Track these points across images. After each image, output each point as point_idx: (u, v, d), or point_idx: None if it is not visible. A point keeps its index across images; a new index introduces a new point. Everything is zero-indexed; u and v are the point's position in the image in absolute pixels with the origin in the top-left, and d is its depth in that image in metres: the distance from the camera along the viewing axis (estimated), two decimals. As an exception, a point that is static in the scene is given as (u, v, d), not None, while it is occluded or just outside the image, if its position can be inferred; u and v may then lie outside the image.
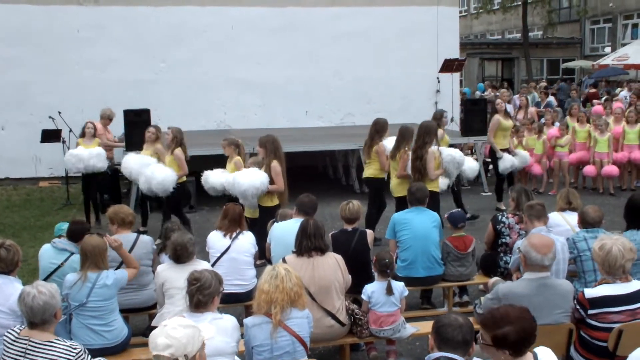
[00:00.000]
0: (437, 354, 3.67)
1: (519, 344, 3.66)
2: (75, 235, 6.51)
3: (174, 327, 3.48)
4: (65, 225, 6.92)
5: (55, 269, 6.31)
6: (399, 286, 6.16)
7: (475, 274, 7.59)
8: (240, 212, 7.24)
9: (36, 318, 4.34)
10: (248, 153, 12.97)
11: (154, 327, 3.71)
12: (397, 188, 9.74)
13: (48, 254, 6.47)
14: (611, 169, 13.88)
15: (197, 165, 14.71)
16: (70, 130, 13.28)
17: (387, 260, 6.15)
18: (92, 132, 11.83)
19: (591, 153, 14.09)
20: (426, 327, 5.88)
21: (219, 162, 14.74)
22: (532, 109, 17.00)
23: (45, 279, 6.18)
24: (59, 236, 6.70)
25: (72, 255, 6.23)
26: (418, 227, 7.34)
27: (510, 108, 18.44)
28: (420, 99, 18.75)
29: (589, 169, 14.09)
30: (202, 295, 4.70)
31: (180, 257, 5.92)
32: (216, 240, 7.06)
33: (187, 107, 17.25)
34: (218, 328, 4.66)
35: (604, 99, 20.40)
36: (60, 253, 6.43)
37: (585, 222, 6.58)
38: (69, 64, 16.59)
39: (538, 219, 6.65)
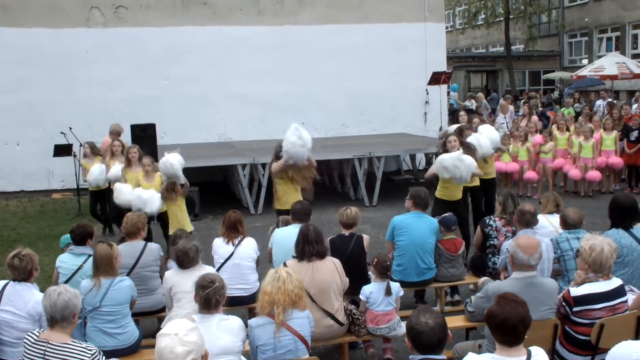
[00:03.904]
0: (420, 356, 3.69)
1: (499, 323, 3.75)
2: (79, 239, 6.64)
3: (185, 333, 3.46)
4: (68, 237, 7.10)
5: (77, 270, 6.41)
6: (395, 287, 6.16)
7: (465, 274, 7.58)
8: (236, 219, 7.15)
9: (57, 314, 4.34)
10: (249, 164, 13.04)
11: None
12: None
13: (68, 259, 6.55)
14: (595, 174, 14.00)
15: (201, 175, 14.79)
16: (81, 145, 13.28)
17: (387, 263, 6.15)
18: (89, 151, 12.22)
19: (577, 158, 14.15)
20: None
21: (221, 172, 14.74)
22: (535, 118, 17.02)
23: (68, 280, 6.31)
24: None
25: (90, 257, 6.26)
26: (415, 233, 7.25)
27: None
28: (410, 110, 18.87)
29: (574, 173, 14.14)
30: (219, 296, 4.74)
31: (182, 262, 5.97)
32: (220, 246, 7.05)
33: (189, 121, 17.32)
34: (225, 328, 4.70)
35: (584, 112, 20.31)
36: (78, 257, 6.52)
37: (566, 224, 6.57)
38: (78, 83, 16.64)
39: (527, 225, 6.64)
